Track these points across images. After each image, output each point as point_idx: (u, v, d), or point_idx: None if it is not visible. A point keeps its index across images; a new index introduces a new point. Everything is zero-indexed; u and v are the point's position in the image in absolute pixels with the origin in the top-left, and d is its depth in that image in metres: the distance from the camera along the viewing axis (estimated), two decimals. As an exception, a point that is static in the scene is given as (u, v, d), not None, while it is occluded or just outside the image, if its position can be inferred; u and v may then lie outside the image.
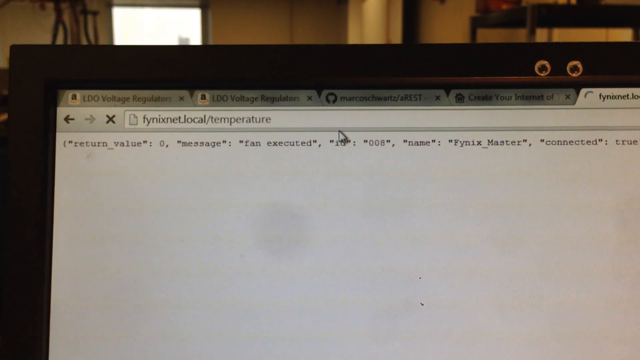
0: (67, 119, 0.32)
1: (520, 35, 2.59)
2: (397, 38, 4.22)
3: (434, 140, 0.32)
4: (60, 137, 0.32)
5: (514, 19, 2.11)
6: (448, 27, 3.67)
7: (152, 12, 5.99)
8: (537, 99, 0.32)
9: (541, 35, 2.36)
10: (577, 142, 0.32)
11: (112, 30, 5.85)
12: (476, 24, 2.41)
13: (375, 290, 0.32)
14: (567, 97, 0.32)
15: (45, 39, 2.52)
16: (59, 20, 2.59)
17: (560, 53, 0.31)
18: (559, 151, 0.32)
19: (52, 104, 0.32)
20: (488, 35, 2.74)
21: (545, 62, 0.31)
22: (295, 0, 5.94)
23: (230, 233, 0.32)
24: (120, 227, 0.32)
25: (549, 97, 0.32)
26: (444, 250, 0.32)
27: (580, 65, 0.31)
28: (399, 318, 0.32)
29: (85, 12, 2.73)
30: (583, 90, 0.32)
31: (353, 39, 5.47)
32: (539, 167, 0.32)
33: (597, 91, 0.32)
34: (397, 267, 0.32)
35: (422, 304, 0.32)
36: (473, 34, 2.41)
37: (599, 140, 0.32)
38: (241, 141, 0.32)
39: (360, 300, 0.32)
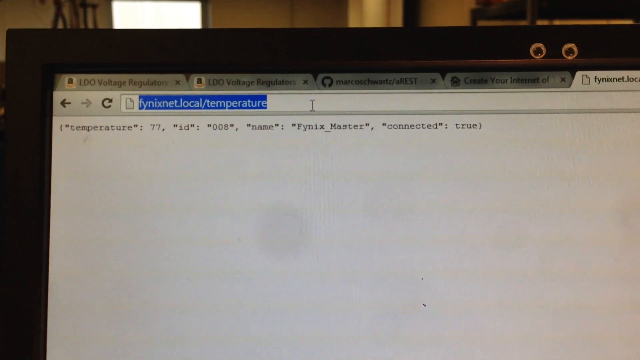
0: (63, 102, 0.32)
1: (520, 28, 2.58)
2: (397, 31, 4.20)
3: (430, 124, 0.32)
4: (56, 121, 0.32)
5: (514, 11, 2.10)
6: (448, 19, 3.66)
7: (152, 5, 5.97)
8: (533, 82, 0.32)
9: (541, 27, 2.35)
10: (573, 125, 0.32)
11: (112, 24, 5.84)
12: (476, 16, 2.40)
13: (373, 278, 0.32)
14: (563, 80, 0.32)
15: (45, 32, 2.50)
16: (58, 14, 2.58)
17: (555, 35, 0.31)
18: (555, 134, 0.32)
19: (48, 88, 0.32)
20: (488, 28, 2.73)
21: (541, 45, 0.31)
22: (296, -7, 5.93)
23: (226, 216, 0.32)
24: (117, 211, 0.32)
25: (544, 80, 0.32)
26: (434, 222, 0.32)
27: (575, 48, 0.31)
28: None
29: (84, 5, 2.73)
30: (578, 73, 0.32)
31: (353, 32, 5.44)
32: (534, 148, 0.32)
33: (592, 74, 0.32)
34: (396, 257, 0.32)
35: (422, 280, 0.32)
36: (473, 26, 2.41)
37: (594, 123, 0.32)
38: (237, 125, 0.32)
39: (356, 280, 0.32)
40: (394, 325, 0.32)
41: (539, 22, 2.00)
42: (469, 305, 0.32)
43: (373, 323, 0.32)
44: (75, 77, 0.32)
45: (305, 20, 5.94)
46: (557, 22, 2.51)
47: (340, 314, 0.32)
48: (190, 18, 6.02)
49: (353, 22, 5.57)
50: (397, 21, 4.24)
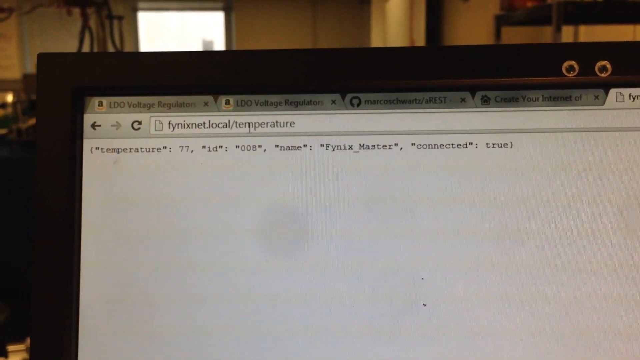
0: (93, 125, 0.32)
1: (546, 33, 2.56)
2: (420, 38, 4.20)
3: (460, 144, 0.32)
4: (87, 144, 0.32)
5: (539, 17, 2.08)
6: (472, 26, 3.64)
7: (177, 15, 6.05)
8: (565, 100, 0.31)
9: (567, 33, 2.32)
10: (607, 144, 0.31)
11: (138, 35, 5.92)
12: (501, 22, 2.38)
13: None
14: (596, 97, 0.31)
15: (72, 44, 2.54)
16: (85, 26, 2.61)
17: (588, 53, 0.31)
18: (589, 152, 0.31)
19: (79, 111, 0.32)
20: (513, 34, 2.70)
21: (573, 63, 0.31)
22: (318, 2, 5.95)
23: (254, 235, 0.32)
24: (147, 232, 0.32)
25: (577, 98, 0.31)
26: (464, 246, 0.31)
27: (609, 65, 0.31)
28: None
29: (111, 17, 2.76)
30: (612, 91, 0.31)
31: (376, 39, 5.45)
32: (567, 168, 0.31)
33: (627, 91, 0.31)
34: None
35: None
36: (498, 32, 2.38)
37: (630, 141, 0.31)
38: (265, 146, 0.32)
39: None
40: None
41: (564, 28, 1.98)
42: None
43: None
44: (105, 100, 0.32)
45: (327, 30, 5.96)
46: (582, 28, 2.48)
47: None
48: (214, 27, 6.07)
49: (375, 31, 5.57)
50: (420, 29, 4.23)
